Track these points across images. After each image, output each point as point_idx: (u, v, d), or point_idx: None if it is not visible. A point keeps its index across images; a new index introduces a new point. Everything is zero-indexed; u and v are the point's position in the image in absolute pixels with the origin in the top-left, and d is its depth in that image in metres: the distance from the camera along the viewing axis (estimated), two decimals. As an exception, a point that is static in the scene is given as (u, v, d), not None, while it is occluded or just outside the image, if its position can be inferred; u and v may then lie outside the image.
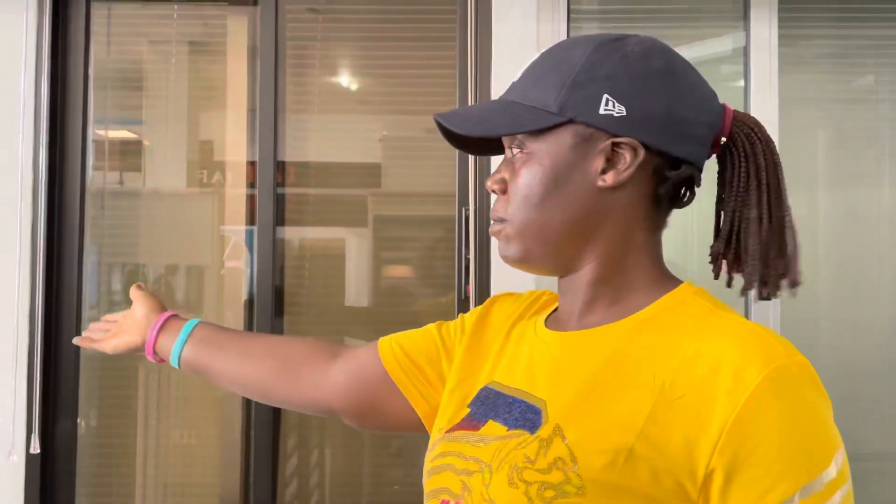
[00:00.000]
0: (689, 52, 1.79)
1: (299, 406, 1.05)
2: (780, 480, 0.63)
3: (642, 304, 0.76)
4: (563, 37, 1.73)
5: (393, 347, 0.97)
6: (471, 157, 1.71)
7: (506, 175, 0.79)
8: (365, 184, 2.19)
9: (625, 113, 0.73)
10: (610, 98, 0.73)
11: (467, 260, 1.72)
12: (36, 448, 1.69)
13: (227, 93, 2.05)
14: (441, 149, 2.09)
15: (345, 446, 2.03)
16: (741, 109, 0.81)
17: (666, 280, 0.78)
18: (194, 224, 2.21)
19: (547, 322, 0.84)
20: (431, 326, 0.97)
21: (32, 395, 1.70)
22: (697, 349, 0.68)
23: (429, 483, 0.81)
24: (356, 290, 2.16)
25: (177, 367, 1.06)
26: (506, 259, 0.81)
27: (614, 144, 0.74)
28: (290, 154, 2.02)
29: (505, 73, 1.69)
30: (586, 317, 0.79)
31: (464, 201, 1.76)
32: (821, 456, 0.65)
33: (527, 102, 0.76)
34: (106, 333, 1.13)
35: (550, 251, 0.78)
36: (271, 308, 1.82)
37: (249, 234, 2.61)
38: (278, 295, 1.85)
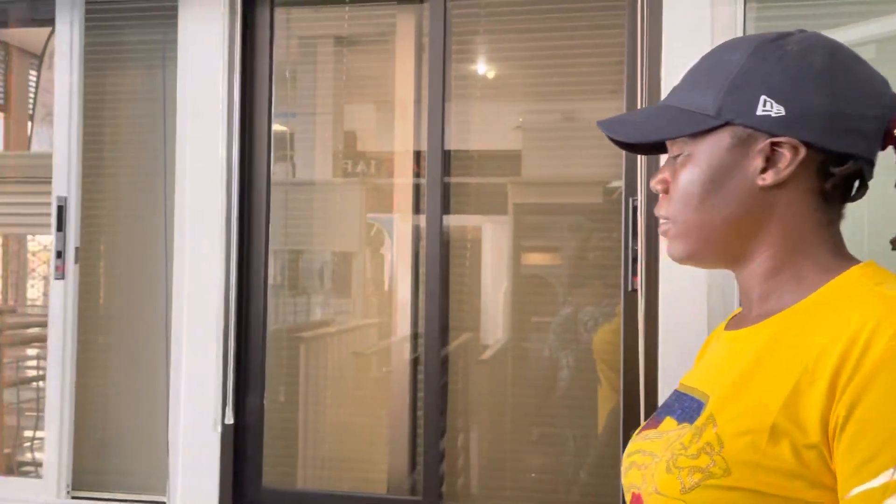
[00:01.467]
0: (881, 26, 1.67)
1: None
2: (884, 450, 0.64)
3: (809, 293, 0.77)
4: (739, 22, 1.66)
5: None
6: (640, 148, 1.68)
7: (668, 175, 0.83)
8: (505, 172, 2.21)
9: (783, 113, 0.75)
10: (768, 99, 0.76)
11: (634, 251, 1.71)
12: (230, 419, 1.86)
13: (391, 86, 2.14)
14: (584, 137, 2.09)
15: (491, 431, 2.08)
16: None
17: (838, 267, 0.78)
18: (342, 212, 2.33)
19: (730, 324, 0.89)
20: None
21: (227, 371, 1.87)
22: (842, 325, 0.69)
23: (623, 480, 0.88)
24: (496, 279, 2.19)
25: None
26: (672, 257, 0.85)
27: (773, 144, 0.76)
28: (448, 143, 2.07)
29: (676, 61, 1.66)
30: (760, 309, 0.81)
31: (631, 192, 1.74)
32: None
33: (685, 106, 0.81)
34: None
35: (715, 249, 0.82)
36: (439, 295, 1.88)
37: (390, 223, 2.71)
38: (444, 282, 1.91)
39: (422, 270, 2.06)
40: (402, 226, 2.22)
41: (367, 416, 2.23)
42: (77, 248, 1.99)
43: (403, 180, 2.13)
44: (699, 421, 0.75)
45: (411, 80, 2.06)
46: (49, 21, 2.04)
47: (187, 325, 1.89)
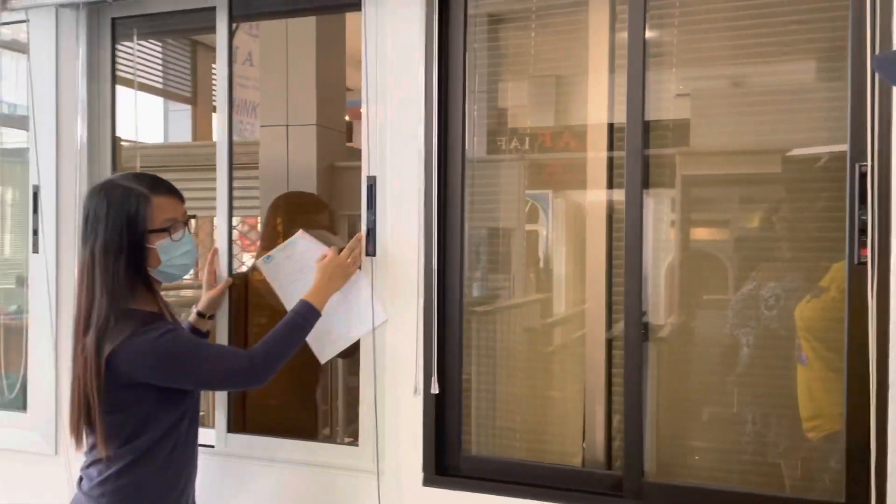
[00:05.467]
0: None
1: None
2: None
3: None
4: None
5: None
6: (869, 110, 1.55)
7: None
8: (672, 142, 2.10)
9: None
10: None
11: (862, 221, 1.59)
12: (436, 389, 1.93)
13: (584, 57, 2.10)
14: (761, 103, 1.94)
15: (667, 409, 2.02)
16: None
17: None
18: (503, 188, 2.32)
19: None
20: None
21: (430, 343, 1.94)
22: None
23: None
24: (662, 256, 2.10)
25: None
26: None
27: None
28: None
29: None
30: None
31: (858, 157, 1.61)
32: None
33: None
34: None
35: None
36: (639, 273, 1.84)
37: (544, 198, 2.68)
38: (638, 258, 1.87)
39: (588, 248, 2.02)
40: (591, 202, 2.20)
41: (556, 390, 2.24)
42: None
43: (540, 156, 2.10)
44: None
45: (605, 51, 2.02)
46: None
47: (389, 297, 1.97)
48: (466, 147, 2.00)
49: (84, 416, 1.68)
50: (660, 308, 2.11)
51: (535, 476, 1.92)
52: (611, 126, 2.14)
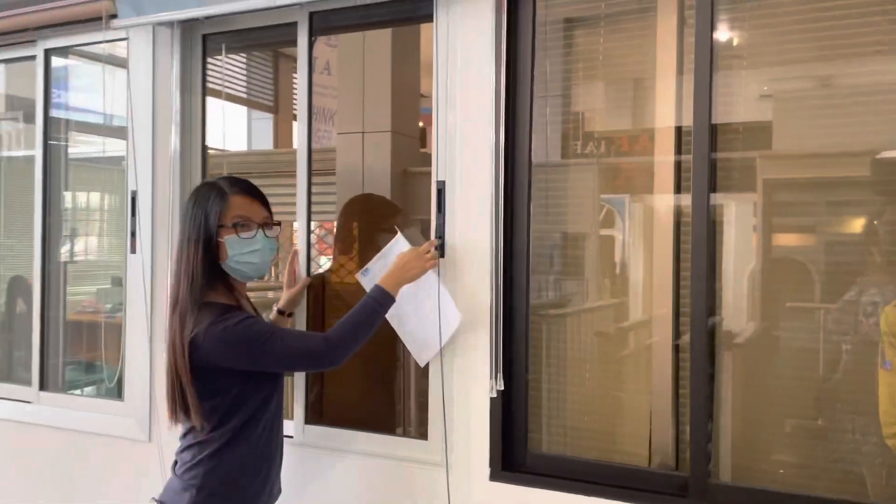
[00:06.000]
0: None
1: None
2: None
3: None
4: None
5: None
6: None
7: None
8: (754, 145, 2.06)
9: None
10: None
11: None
12: (501, 386, 1.99)
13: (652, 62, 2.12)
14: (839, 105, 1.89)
15: (743, 420, 2.00)
16: None
17: None
18: (577, 194, 2.33)
19: None
20: None
21: (496, 344, 2.00)
22: None
23: None
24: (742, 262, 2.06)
25: None
26: None
27: None
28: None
29: None
30: None
31: (934, 159, 1.58)
32: None
33: None
34: None
35: None
36: (706, 277, 1.85)
37: (621, 203, 2.67)
38: (711, 262, 1.87)
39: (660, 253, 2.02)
40: (660, 206, 2.21)
41: (625, 392, 2.26)
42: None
43: (664, 158, 2.12)
44: None
45: (673, 54, 2.04)
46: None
47: (458, 297, 2.04)
48: (533, 151, 2.05)
49: (180, 401, 1.82)
50: (741, 314, 2.09)
51: (600, 475, 1.95)
52: (679, 129, 2.15)
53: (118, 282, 3.01)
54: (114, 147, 2.99)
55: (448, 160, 2.07)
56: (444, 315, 2.02)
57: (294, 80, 4.36)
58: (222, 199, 1.84)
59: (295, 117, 4.69)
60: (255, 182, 1.95)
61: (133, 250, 2.60)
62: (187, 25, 2.51)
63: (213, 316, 1.78)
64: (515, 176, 2.06)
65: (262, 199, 1.93)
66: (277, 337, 1.80)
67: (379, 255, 2.11)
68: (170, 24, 2.46)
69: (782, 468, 2.01)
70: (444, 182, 2.07)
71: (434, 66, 2.07)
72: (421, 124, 3.94)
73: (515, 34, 2.04)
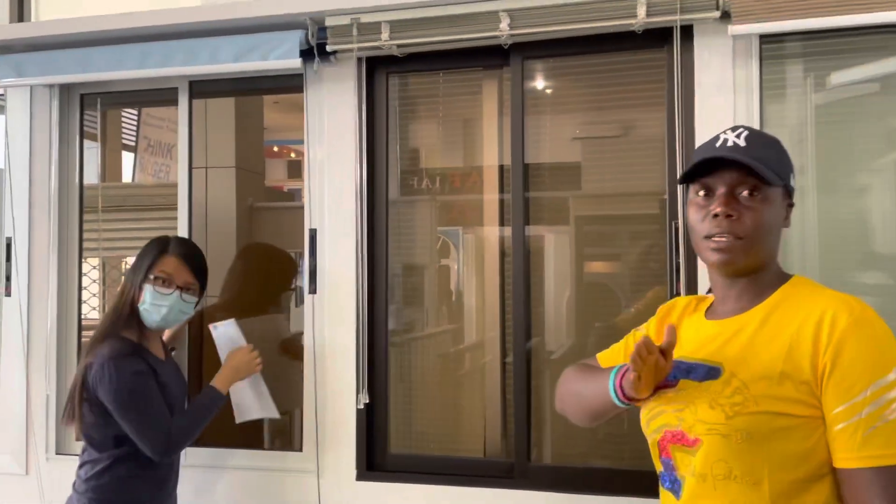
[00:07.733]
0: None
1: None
2: (861, 378, 1.15)
3: (773, 292, 1.28)
4: (756, 80, 2.13)
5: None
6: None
7: (736, 207, 1.25)
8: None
9: (792, 182, 1.34)
10: (791, 173, 1.34)
11: (677, 263, 2.18)
12: (367, 399, 2.40)
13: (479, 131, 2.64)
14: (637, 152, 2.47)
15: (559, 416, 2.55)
16: None
17: (784, 275, 1.32)
18: (415, 227, 2.75)
19: (709, 313, 1.39)
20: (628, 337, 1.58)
21: (363, 364, 2.41)
22: (810, 309, 1.22)
23: (651, 426, 1.32)
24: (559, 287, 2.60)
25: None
26: (734, 265, 1.28)
27: (789, 204, 1.33)
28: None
29: (707, 105, 2.14)
30: (747, 302, 1.30)
31: (673, 216, 2.21)
32: (886, 362, 1.15)
33: (771, 166, 1.27)
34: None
35: (761, 262, 1.29)
36: (523, 303, 2.38)
37: (455, 235, 3.16)
38: (527, 288, 2.40)
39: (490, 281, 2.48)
40: (487, 238, 2.70)
41: (464, 401, 2.75)
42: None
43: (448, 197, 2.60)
44: (723, 377, 1.22)
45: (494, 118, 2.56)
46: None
47: (328, 326, 2.44)
48: (390, 191, 2.49)
49: (71, 410, 2.08)
50: (561, 333, 2.60)
51: (446, 466, 2.42)
52: (502, 168, 2.62)
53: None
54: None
55: (318, 210, 2.46)
56: (265, 407, 2.41)
57: (122, 110, 4.36)
58: (159, 255, 2.16)
59: (124, 147, 4.71)
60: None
61: (8, 293, 2.73)
62: (65, 86, 2.71)
63: (116, 350, 2.06)
64: (375, 214, 2.47)
65: (196, 268, 2.22)
66: (142, 410, 2.04)
67: (229, 321, 2.38)
68: (49, 85, 2.66)
69: (587, 450, 2.57)
70: (315, 230, 2.46)
71: (305, 137, 2.48)
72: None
73: (372, 105, 2.48)
